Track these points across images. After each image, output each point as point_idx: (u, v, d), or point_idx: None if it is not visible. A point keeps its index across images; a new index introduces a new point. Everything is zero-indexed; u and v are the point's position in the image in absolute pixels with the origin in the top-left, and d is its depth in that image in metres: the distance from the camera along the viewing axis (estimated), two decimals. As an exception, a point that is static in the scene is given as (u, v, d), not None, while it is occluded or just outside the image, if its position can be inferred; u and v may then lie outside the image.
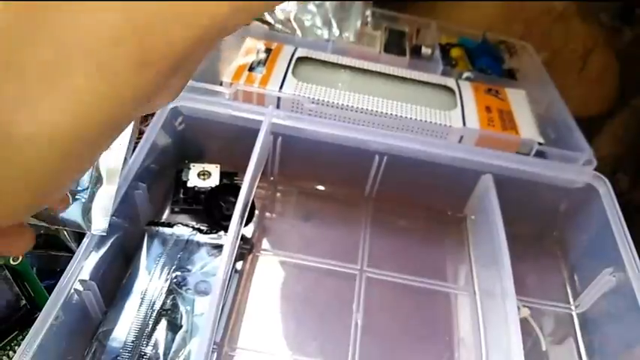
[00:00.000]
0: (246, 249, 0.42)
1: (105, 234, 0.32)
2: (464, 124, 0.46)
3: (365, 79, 0.49)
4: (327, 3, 0.57)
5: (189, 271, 0.36)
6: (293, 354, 0.37)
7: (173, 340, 0.32)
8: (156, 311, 0.33)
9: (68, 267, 0.31)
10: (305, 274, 0.42)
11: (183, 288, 0.34)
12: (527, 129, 0.47)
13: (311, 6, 0.57)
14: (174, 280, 0.35)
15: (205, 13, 0.15)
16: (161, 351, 0.32)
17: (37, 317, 0.28)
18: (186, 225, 0.39)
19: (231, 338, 0.37)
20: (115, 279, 0.35)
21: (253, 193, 0.39)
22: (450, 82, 0.51)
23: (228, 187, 0.43)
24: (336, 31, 0.56)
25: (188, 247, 0.37)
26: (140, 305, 0.33)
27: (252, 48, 0.50)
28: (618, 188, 0.43)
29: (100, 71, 0.15)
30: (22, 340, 0.28)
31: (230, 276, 0.36)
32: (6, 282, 0.32)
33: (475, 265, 0.44)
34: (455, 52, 0.59)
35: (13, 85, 0.15)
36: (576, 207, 0.45)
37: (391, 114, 0.45)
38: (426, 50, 0.58)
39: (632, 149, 0.65)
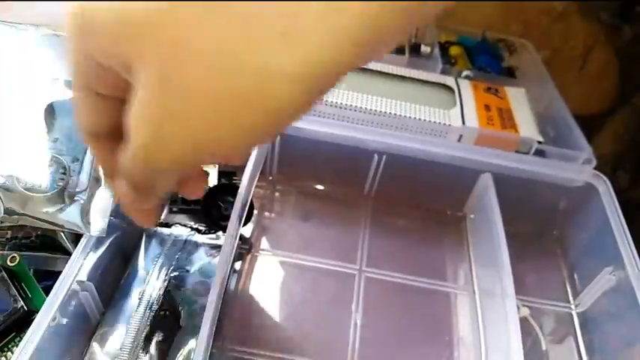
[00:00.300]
0: (245, 249, 0.42)
1: (104, 235, 0.32)
2: (463, 122, 0.45)
3: (364, 78, 0.49)
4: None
5: (187, 271, 0.36)
6: (292, 354, 0.37)
7: (172, 340, 0.32)
8: (154, 312, 0.33)
9: (66, 268, 0.30)
10: (304, 274, 0.42)
11: (182, 288, 0.34)
12: (527, 127, 0.47)
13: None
14: (173, 281, 0.35)
15: None
16: (160, 351, 0.31)
17: (34, 319, 0.28)
18: (185, 225, 0.39)
19: (230, 338, 0.37)
20: (113, 280, 0.35)
21: (252, 192, 0.38)
22: (450, 80, 0.50)
23: (227, 187, 0.43)
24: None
25: (186, 248, 0.37)
26: (138, 306, 0.33)
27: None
28: (618, 186, 0.43)
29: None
30: (20, 341, 0.28)
31: (229, 276, 0.36)
32: (3, 283, 0.32)
33: (474, 265, 0.44)
34: (454, 51, 0.59)
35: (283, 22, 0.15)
36: (576, 206, 0.44)
37: (390, 113, 0.45)
38: (425, 48, 0.57)
39: (632, 147, 0.65)
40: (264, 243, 0.43)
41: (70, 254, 0.32)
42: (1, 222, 0.32)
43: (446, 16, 0.63)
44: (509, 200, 0.40)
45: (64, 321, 0.29)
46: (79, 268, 0.31)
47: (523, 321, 0.40)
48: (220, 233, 0.38)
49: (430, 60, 0.56)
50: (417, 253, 0.45)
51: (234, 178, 0.44)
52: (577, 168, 0.44)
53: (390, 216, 0.47)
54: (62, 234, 0.35)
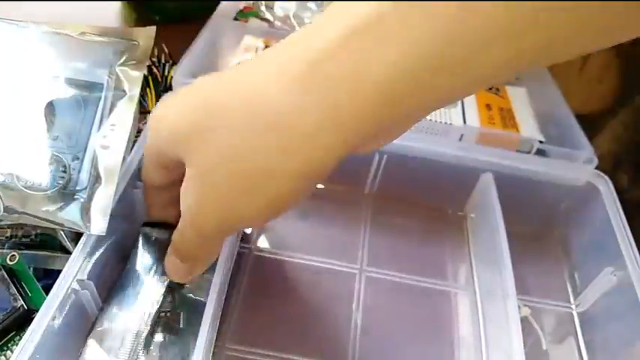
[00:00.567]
0: (245, 248, 0.42)
1: (104, 234, 0.31)
2: (464, 122, 0.45)
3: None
4: (327, 2, 0.57)
5: (187, 270, 0.35)
6: (292, 354, 0.37)
7: (171, 340, 0.32)
8: (154, 311, 0.33)
9: (66, 267, 0.30)
10: (304, 274, 0.42)
11: (181, 288, 0.34)
12: (528, 127, 0.46)
13: (310, 4, 0.57)
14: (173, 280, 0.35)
15: None
16: (160, 352, 0.31)
17: (34, 318, 0.28)
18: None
19: (229, 338, 0.37)
20: (113, 279, 0.35)
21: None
22: (450, 79, 0.50)
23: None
24: (335, 29, 0.56)
25: (187, 247, 0.37)
26: (138, 306, 0.33)
27: (251, 45, 0.49)
28: (619, 186, 0.43)
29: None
30: (19, 340, 0.28)
31: (228, 276, 0.36)
32: (2, 282, 0.32)
33: (475, 264, 0.44)
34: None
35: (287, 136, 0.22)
36: (577, 205, 0.44)
37: (391, 112, 0.44)
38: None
39: (633, 147, 0.64)
40: (264, 242, 0.43)
41: (70, 253, 0.31)
42: (1, 220, 0.32)
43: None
44: (510, 200, 0.40)
45: (64, 320, 0.29)
46: (79, 266, 0.31)
47: (524, 321, 0.40)
48: (221, 232, 0.38)
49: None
50: (417, 253, 0.45)
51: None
52: (578, 167, 0.44)
53: (391, 215, 0.47)
54: (62, 233, 0.34)
